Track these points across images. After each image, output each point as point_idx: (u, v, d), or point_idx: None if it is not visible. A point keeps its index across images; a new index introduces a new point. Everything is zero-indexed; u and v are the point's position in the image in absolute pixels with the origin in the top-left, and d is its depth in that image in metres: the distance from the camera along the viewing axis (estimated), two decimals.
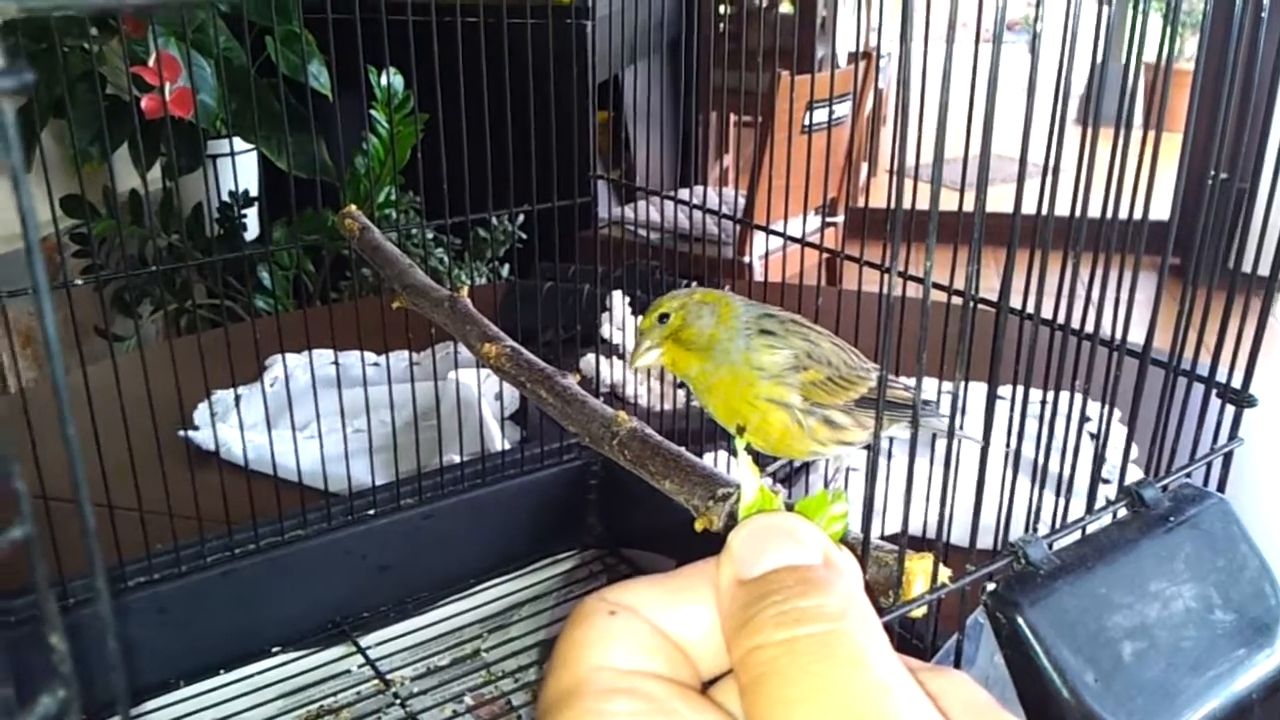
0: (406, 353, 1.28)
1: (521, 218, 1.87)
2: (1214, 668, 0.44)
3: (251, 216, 2.17)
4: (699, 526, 0.49)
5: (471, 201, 0.86)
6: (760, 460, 0.72)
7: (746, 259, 2.62)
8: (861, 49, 2.67)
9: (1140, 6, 0.45)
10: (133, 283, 1.83)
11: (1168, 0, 0.47)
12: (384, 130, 2.05)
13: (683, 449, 0.53)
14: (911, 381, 0.70)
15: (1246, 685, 0.44)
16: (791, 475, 0.99)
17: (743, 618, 0.26)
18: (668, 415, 1.14)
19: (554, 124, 0.86)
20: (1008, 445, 0.53)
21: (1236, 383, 0.53)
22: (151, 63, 1.86)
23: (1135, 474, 0.51)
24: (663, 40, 3.03)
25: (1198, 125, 0.46)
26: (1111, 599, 0.44)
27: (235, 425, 1.06)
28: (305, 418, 1.11)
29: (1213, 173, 0.51)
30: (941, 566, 0.39)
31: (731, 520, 0.47)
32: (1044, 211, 0.45)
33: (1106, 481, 0.74)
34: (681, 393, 1.16)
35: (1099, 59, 0.50)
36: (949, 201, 0.50)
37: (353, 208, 0.84)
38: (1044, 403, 0.51)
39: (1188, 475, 0.52)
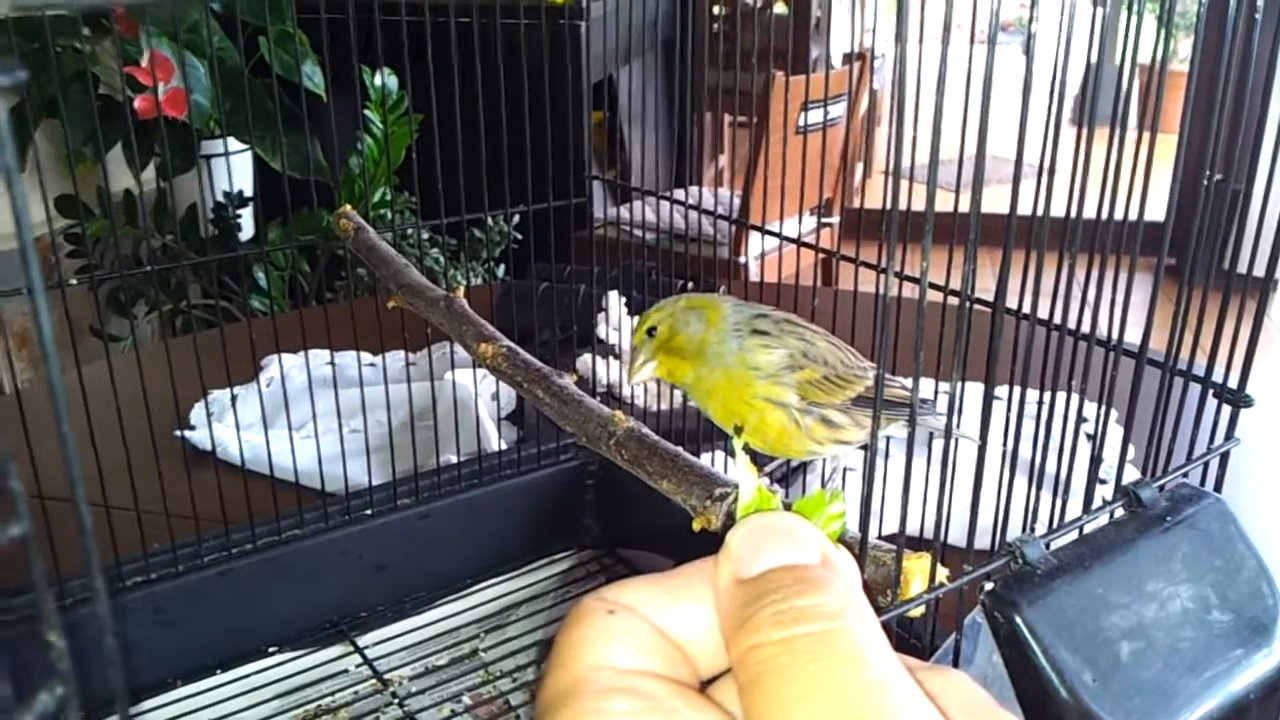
0: (403, 353, 1.27)
1: (517, 218, 1.87)
2: (1211, 668, 0.44)
3: (246, 217, 2.17)
4: (697, 526, 0.49)
5: (467, 202, 0.86)
6: (758, 460, 0.72)
7: (742, 259, 2.62)
8: (856, 49, 2.67)
9: (1135, 8, 0.45)
10: (128, 283, 1.82)
11: (1162, 1, 0.47)
12: (378, 130, 2.05)
13: (680, 448, 0.53)
14: (909, 380, 0.71)
15: (1244, 685, 0.45)
16: (789, 475, 0.99)
17: (741, 617, 0.26)
18: (665, 415, 1.14)
19: (549, 124, 0.86)
20: (1005, 445, 0.53)
21: (1233, 383, 0.54)
22: (145, 63, 1.86)
23: (1132, 474, 0.51)
24: (657, 40, 3.03)
25: (1192, 126, 0.46)
26: (1109, 599, 0.44)
27: (232, 425, 1.05)
28: (302, 418, 1.11)
29: (1208, 173, 0.52)
30: (939, 566, 0.39)
31: (729, 520, 0.47)
32: (1040, 212, 0.45)
33: (1103, 481, 0.74)
34: (679, 392, 1.16)
35: (1094, 60, 0.51)
36: (945, 202, 0.50)
37: (348, 208, 0.84)
38: (1041, 403, 0.51)
39: (1185, 475, 0.52)
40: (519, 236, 1.97)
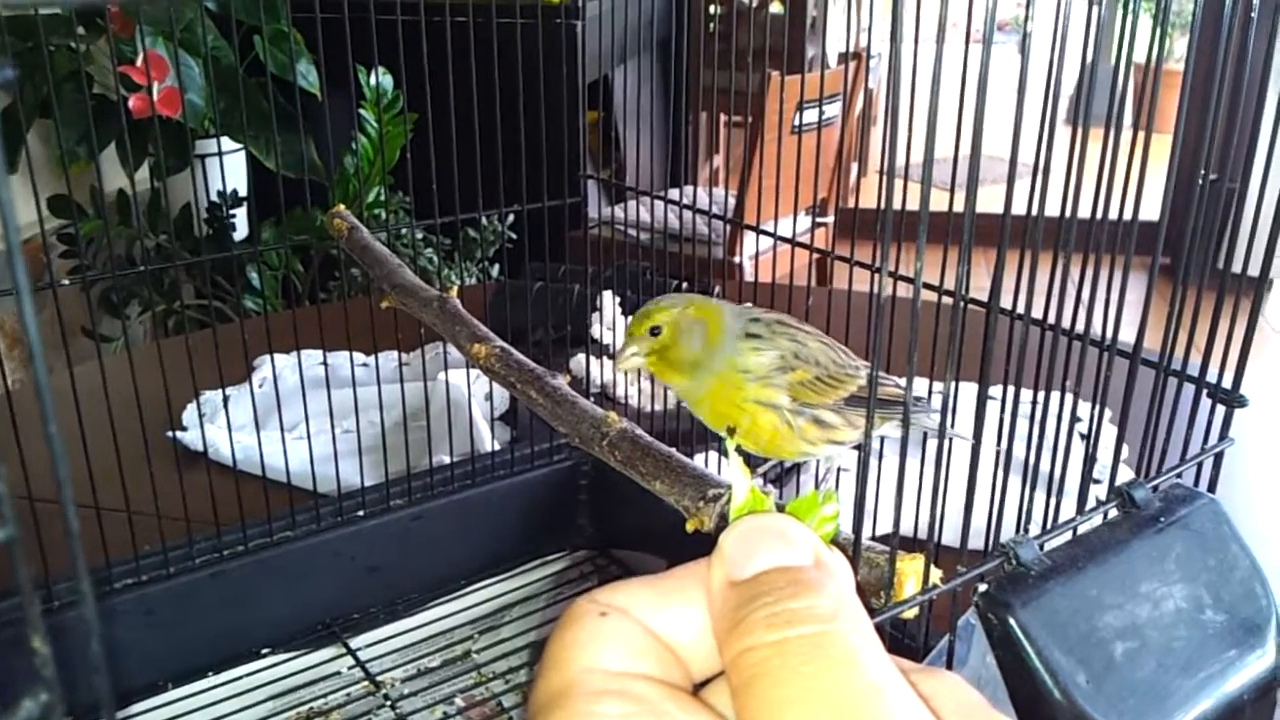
0: (396, 353, 1.27)
1: (511, 218, 1.86)
2: (1205, 668, 0.44)
3: (240, 216, 2.16)
4: (690, 527, 0.48)
5: (461, 201, 0.86)
6: (751, 461, 0.72)
7: (737, 259, 2.62)
8: (851, 49, 2.67)
9: (1130, 7, 0.45)
10: (120, 283, 1.82)
11: (1157, 1, 0.47)
12: (373, 130, 2.05)
13: (673, 450, 0.52)
14: (903, 379, 0.70)
15: (1238, 686, 0.44)
16: (782, 476, 0.99)
17: (734, 619, 0.26)
18: (658, 416, 1.14)
19: (544, 124, 0.86)
20: (999, 445, 0.53)
21: (1227, 383, 0.54)
22: (139, 62, 1.85)
23: (1126, 474, 0.51)
24: (652, 40, 3.02)
25: (1187, 126, 0.46)
26: (1103, 599, 0.44)
27: (223, 426, 1.05)
28: (294, 418, 1.11)
29: (1203, 173, 0.52)
30: (933, 567, 0.39)
31: (723, 521, 0.46)
32: (1034, 212, 0.45)
33: (1097, 482, 0.74)
34: (672, 394, 1.16)
35: (1089, 59, 0.50)
36: (939, 202, 0.50)
37: (341, 207, 0.84)
38: (1035, 403, 0.51)
39: (1178, 476, 0.52)
40: (513, 236, 1.97)
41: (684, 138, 2.88)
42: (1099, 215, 0.49)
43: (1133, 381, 0.49)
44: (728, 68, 0.92)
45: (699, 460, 0.59)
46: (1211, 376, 0.54)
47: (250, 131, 2.08)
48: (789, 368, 0.64)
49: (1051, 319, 0.53)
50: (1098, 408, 0.50)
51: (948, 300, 0.75)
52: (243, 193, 2.16)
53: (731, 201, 2.67)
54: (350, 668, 0.82)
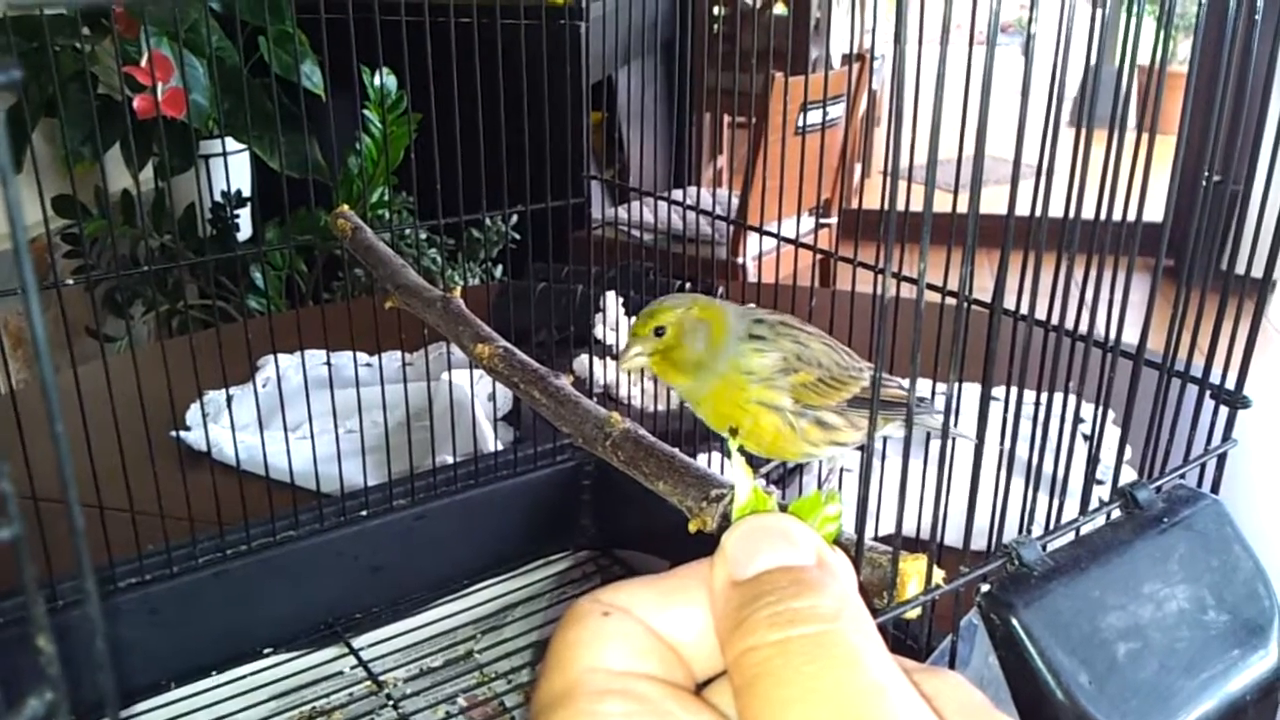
0: (399, 353, 1.27)
1: (515, 218, 1.87)
2: (1208, 669, 0.44)
3: (244, 216, 2.16)
4: (693, 528, 0.48)
5: (465, 202, 0.86)
6: (754, 461, 0.72)
7: (740, 260, 2.62)
8: (855, 50, 2.67)
9: (1134, 9, 0.45)
10: (124, 283, 1.82)
11: (1161, 2, 0.47)
12: (377, 130, 2.05)
13: (676, 450, 0.52)
14: (906, 381, 0.70)
15: (1240, 686, 0.44)
16: (785, 476, 0.99)
17: (737, 619, 0.26)
18: (661, 416, 1.14)
19: (548, 124, 0.86)
20: (1002, 446, 0.53)
21: (1230, 384, 0.54)
22: (144, 62, 1.86)
23: (1129, 475, 0.51)
24: (656, 41, 3.02)
25: (1191, 127, 0.46)
26: (1105, 600, 0.44)
27: (227, 426, 1.05)
28: (298, 418, 1.11)
29: (1206, 174, 0.52)
30: (935, 567, 0.39)
31: (725, 521, 0.46)
32: (1038, 213, 0.45)
33: (1100, 482, 0.74)
34: (675, 394, 1.16)
35: (1093, 61, 0.50)
36: (943, 203, 0.50)
37: (345, 208, 0.84)
38: (1038, 404, 0.51)
39: (1181, 476, 0.52)
40: (517, 236, 1.97)
41: (688, 138, 2.88)
42: (1103, 216, 0.49)
43: (1136, 382, 0.49)
44: (731, 69, 0.92)
45: (702, 460, 0.59)
46: (1215, 378, 0.54)
47: (254, 132, 2.08)
48: (792, 369, 0.64)
49: (1055, 320, 0.53)
50: (1101, 409, 0.50)
51: (951, 301, 0.75)
52: (247, 193, 2.16)
53: (735, 202, 2.67)
54: (353, 667, 0.82)
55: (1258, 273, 0.51)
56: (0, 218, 0.17)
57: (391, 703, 0.78)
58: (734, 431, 0.64)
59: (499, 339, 0.66)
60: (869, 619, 0.26)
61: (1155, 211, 0.45)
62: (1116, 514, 0.48)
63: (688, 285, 1.33)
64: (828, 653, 0.24)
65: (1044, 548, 0.44)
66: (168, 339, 1.83)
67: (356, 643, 0.84)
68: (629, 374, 1.17)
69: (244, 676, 0.81)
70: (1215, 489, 0.53)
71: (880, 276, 0.74)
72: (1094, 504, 0.48)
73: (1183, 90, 0.46)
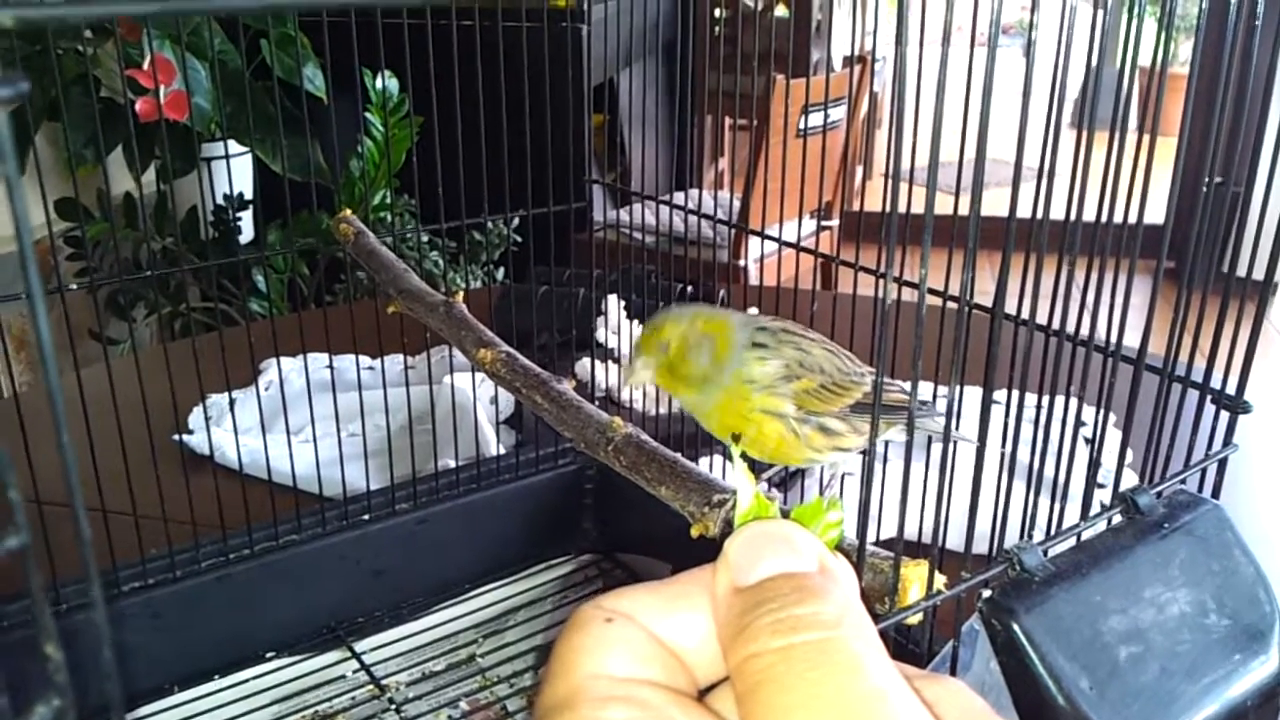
0: (402, 357, 1.27)
1: (517, 221, 1.87)
2: (1209, 674, 0.44)
3: (246, 220, 2.17)
4: (695, 533, 0.49)
5: (467, 205, 0.86)
6: (756, 467, 0.72)
7: (742, 263, 2.62)
8: (856, 53, 2.67)
9: (1135, 11, 0.45)
10: (127, 286, 1.82)
11: (1163, 4, 0.47)
12: (379, 133, 2.05)
13: (678, 454, 0.52)
14: (907, 384, 0.70)
15: (1241, 691, 0.44)
16: (787, 481, 0.99)
17: (739, 625, 0.26)
18: (663, 420, 1.14)
19: (549, 127, 0.86)
20: (1003, 450, 0.53)
21: (1231, 389, 0.54)
22: (146, 66, 1.86)
23: (1130, 480, 0.51)
24: (658, 44, 3.03)
25: (1192, 129, 0.46)
26: (1106, 605, 0.44)
27: (230, 429, 1.05)
28: (300, 422, 1.11)
29: (1207, 177, 0.52)
30: (937, 573, 0.39)
31: (728, 527, 0.47)
32: (1039, 216, 0.45)
33: (1101, 487, 0.74)
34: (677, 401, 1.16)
35: (1094, 63, 0.50)
36: (944, 205, 0.50)
37: (348, 212, 0.84)
38: (1039, 408, 0.51)
39: (1182, 481, 0.52)
40: (519, 239, 1.97)
41: (689, 141, 2.88)
42: (1103, 219, 0.49)
43: (1137, 387, 0.49)
44: (733, 71, 0.92)
45: (704, 465, 0.59)
46: (1215, 382, 0.54)
47: (256, 135, 2.09)
48: (794, 376, 0.64)
49: (1056, 324, 0.53)
50: (1102, 413, 0.50)
51: (952, 305, 0.75)
52: (249, 196, 2.16)
53: (736, 205, 2.67)
54: (355, 671, 0.82)
55: (1259, 275, 0.51)
56: (3, 221, 0.18)
57: (394, 706, 0.78)
58: (736, 437, 0.64)
59: (501, 344, 0.66)
60: (871, 625, 0.26)
61: (1156, 214, 0.45)
62: (1118, 519, 0.48)
63: (689, 288, 1.33)
64: (830, 659, 0.24)
65: (1045, 553, 0.44)
66: (170, 342, 1.84)
67: (359, 646, 0.84)
68: (642, 390, 1.17)
69: (246, 680, 0.81)
70: (1216, 494, 0.53)
71: (881, 280, 0.74)
72: (1095, 509, 0.48)
73: (1184, 92, 0.46)
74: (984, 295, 0.51)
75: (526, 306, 1.17)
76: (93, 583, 0.20)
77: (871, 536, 0.45)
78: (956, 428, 0.63)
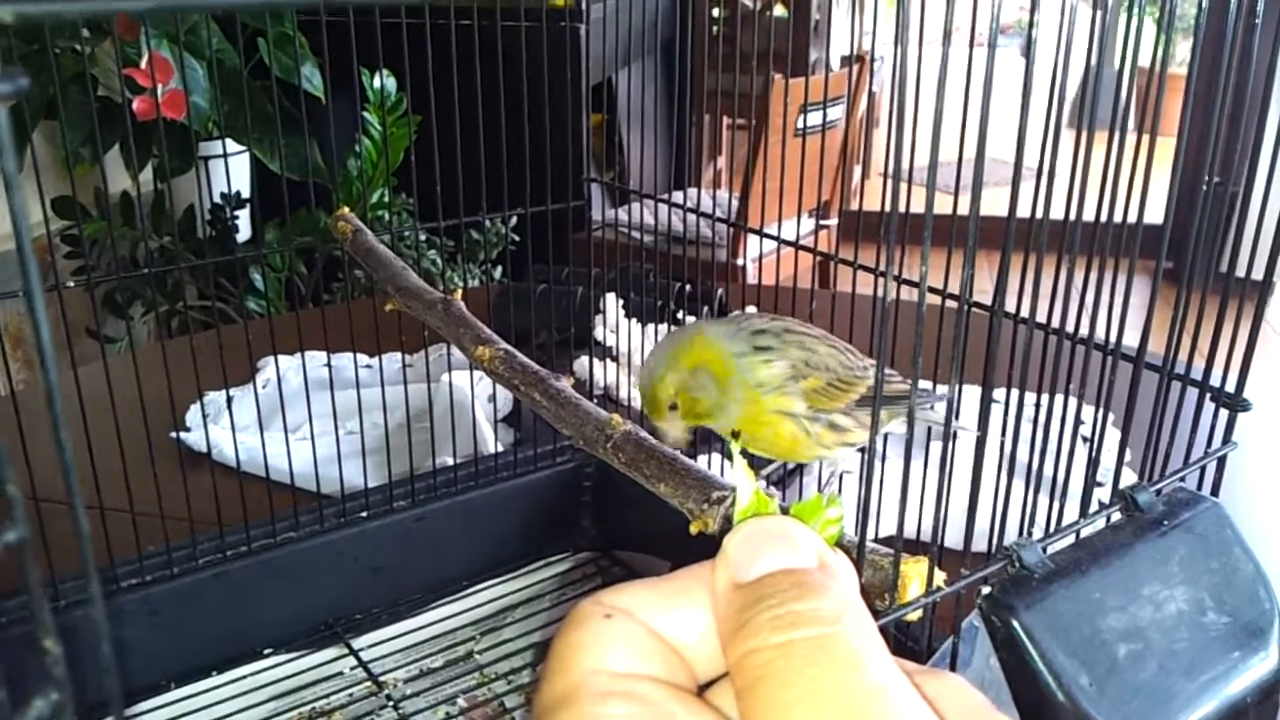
0: (399, 355, 1.27)
1: (515, 220, 1.87)
2: (1208, 671, 0.44)
3: (244, 218, 2.16)
4: (694, 529, 0.49)
5: (464, 203, 0.86)
6: (755, 463, 0.72)
7: (740, 262, 2.62)
8: (855, 52, 2.67)
9: (1134, 11, 0.45)
10: (124, 284, 1.82)
11: (1162, 4, 0.47)
12: (377, 132, 2.05)
13: (677, 452, 0.52)
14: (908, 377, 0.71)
15: (1241, 688, 0.44)
16: (786, 477, 0.99)
17: (738, 621, 0.26)
18: None
19: (547, 126, 0.86)
20: (1002, 448, 0.53)
21: (1230, 387, 0.54)
22: (144, 64, 1.86)
23: (1129, 477, 0.51)
24: (656, 43, 3.03)
25: (1191, 129, 0.46)
26: (1106, 602, 0.44)
27: (227, 427, 1.05)
28: (298, 419, 1.11)
29: (1206, 176, 0.52)
30: (936, 569, 0.39)
31: (727, 523, 0.47)
32: (1038, 215, 0.45)
33: (1101, 485, 0.74)
34: None
35: (1093, 63, 0.50)
36: (943, 205, 0.50)
37: (346, 210, 0.84)
38: (1038, 406, 0.51)
39: (1182, 479, 0.52)
40: (516, 238, 1.97)
41: (687, 140, 2.88)
42: (1103, 219, 0.49)
43: (1136, 385, 0.49)
44: (731, 70, 0.92)
45: (702, 462, 0.59)
46: (1215, 380, 0.54)
47: (254, 134, 2.08)
48: (801, 375, 0.64)
49: (1055, 322, 0.53)
50: (1101, 411, 0.50)
51: (951, 304, 0.75)
52: (246, 194, 2.16)
53: (734, 204, 2.67)
54: (353, 668, 0.82)
55: (1258, 275, 0.51)
56: (1, 218, 0.18)
57: (392, 703, 0.78)
58: (735, 434, 0.64)
59: (499, 341, 0.66)
60: (870, 621, 0.26)
61: (1155, 213, 0.45)
62: (1117, 516, 0.48)
63: (687, 287, 1.33)
64: (829, 655, 0.24)
65: (1044, 550, 0.44)
66: (168, 340, 1.83)
67: (356, 643, 0.84)
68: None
69: (244, 677, 0.81)
70: (1215, 491, 0.53)
71: (880, 279, 0.74)
72: (1094, 506, 0.48)
73: (1183, 92, 0.46)
74: (983, 294, 0.51)
75: (525, 305, 1.17)
76: (91, 579, 0.20)
77: (871, 534, 0.45)
78: (956, 426, 0.63)
